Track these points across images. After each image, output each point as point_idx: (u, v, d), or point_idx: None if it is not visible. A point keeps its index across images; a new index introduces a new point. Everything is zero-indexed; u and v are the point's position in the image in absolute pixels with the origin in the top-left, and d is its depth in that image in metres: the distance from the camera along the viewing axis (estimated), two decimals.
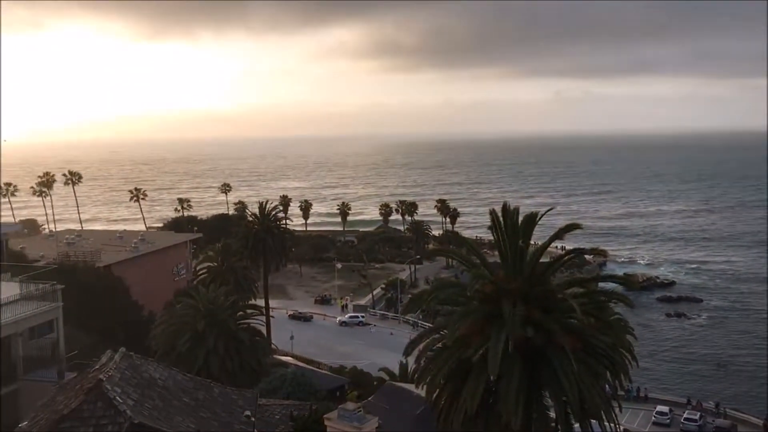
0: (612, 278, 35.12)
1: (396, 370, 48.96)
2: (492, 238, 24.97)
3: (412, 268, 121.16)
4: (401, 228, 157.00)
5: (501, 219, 23.92)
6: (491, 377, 21.34)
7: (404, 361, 43.60)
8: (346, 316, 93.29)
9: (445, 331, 23.69)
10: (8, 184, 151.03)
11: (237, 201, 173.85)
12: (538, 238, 25.06)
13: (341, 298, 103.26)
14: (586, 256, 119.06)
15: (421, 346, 24.63)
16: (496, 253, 24.51)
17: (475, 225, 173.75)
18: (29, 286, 39.95)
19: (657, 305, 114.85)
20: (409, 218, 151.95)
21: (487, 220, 25.05)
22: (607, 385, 23.84)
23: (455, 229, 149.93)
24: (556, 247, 45.66)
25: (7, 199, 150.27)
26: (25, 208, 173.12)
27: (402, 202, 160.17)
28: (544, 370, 21.76)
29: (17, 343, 37.15)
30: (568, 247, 47.77)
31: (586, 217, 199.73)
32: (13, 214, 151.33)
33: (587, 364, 21.99)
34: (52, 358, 38.20)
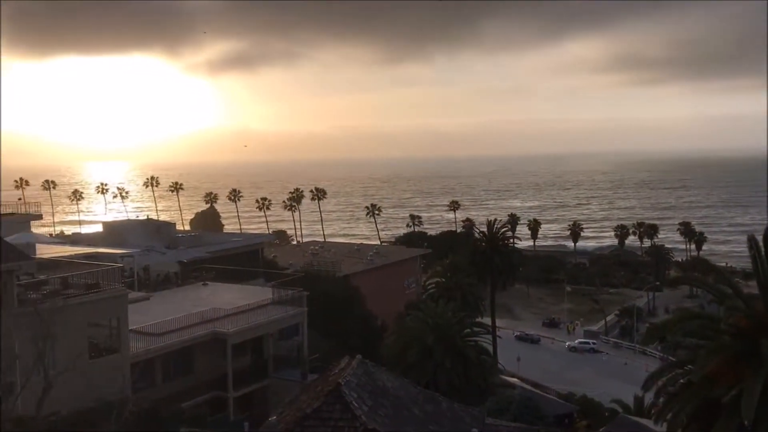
0: None
1: (630, 403, 45.86)
2: (749, 266, 22.43)
3: (650, 296, 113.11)
4: (638, 251, 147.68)
5: (762, 246, 21.36)
6: (745, 422, 19.03)
7: (640, 395, 40.64)
8: (576, 341, 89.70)
9: (690, 366, 21.66)
10: (264, 199, 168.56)
11: (465, 219, 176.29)
12: None
13: (571, 323, 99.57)
14: None
15: (661, 381, 22.76)
16: (752, 283, 21.99)
17: (729, 253, 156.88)
18: (280, 291, 44.01)
19: None
20: (648, 241, 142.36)
21: (739, 248, 22.58)
22: None
23: (701, 256, 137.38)
24: None
25: (263, 212, 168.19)
26: (278, 221, 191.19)
27: (640, 224, 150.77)
28: None
29: (269, 343, 41.03)
30: None
31: None
32: (267, 226, 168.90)
33: None
34: (297, 359, 41.50)
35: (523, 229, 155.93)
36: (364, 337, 53.30)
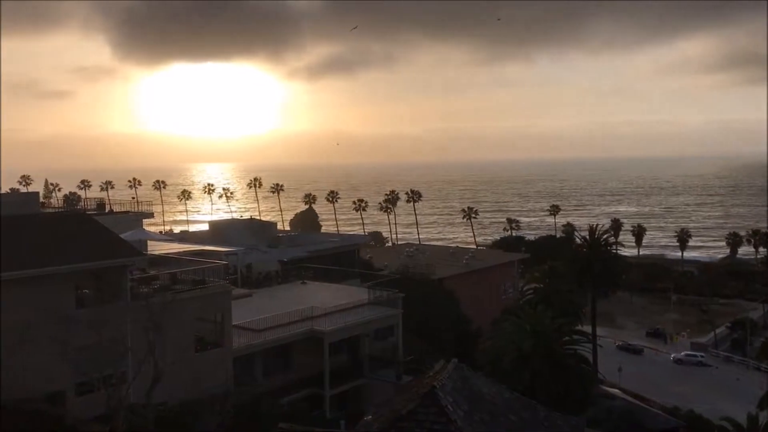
0: None
1: (743, 422, 43.10)
2: None
3: (766, 308, 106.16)
4: (753, 261, 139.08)
5: None
6: None
7: (755, 413, 38.16)
8: (682, 353, 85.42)
9: None
10: (360, 201, 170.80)
11: (565, 223, 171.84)
12: None
13: (677, 334, 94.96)
14: None
15: None
16: None
17: None
18: (375, 292, 44.40)
19: None
20: (764, 251, 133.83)
21: None
22: None
23: None
24: None
25: (359, 214, 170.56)
26: (374, 223, 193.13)
27: (755, 232, 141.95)
28: None
29: (364, 342, 41.45)
30: None
31: None
32: (363, 227, 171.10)
33: None
34: (392, 360, 41.70)
35: (626, 236, 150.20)
36: (459, 341, 52.93)
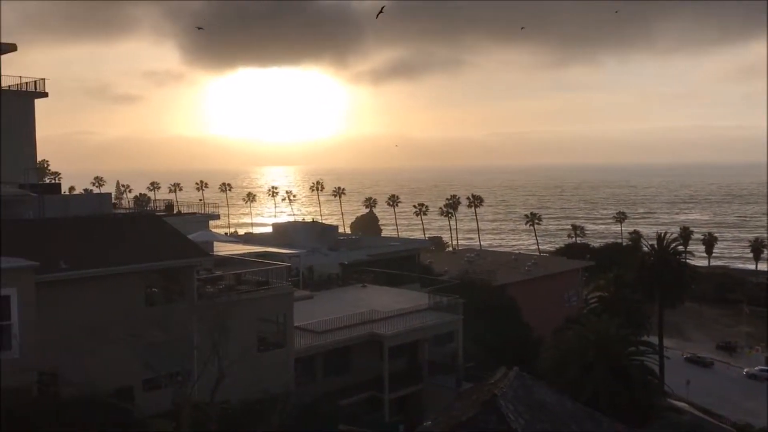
0: None
1: None
2: None
3: None
4: None
5: None
6: None
7: None
8: (756, 368, 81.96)
9: None
10: (421, 205, 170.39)
11: (632, 230, 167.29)
12: None
13: (751, 348, 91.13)
14: None
15: None
16: None
17: None
18: (435, 297, 44.23)
19: None
20: None
21: None
22: None
23: None
24: None
25: (419, 218, 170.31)
26: (434, 228, 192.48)
27: None
28: None
29: (424, 347, 41.33)
30: None
31: None
32: (423, 232, 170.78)
33: None
34: (452, 366, 41.41)
35: (697, 245, 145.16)
36: (520, 349, 52.13)
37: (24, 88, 48.21)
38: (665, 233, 73.94)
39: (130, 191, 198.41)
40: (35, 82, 48.54)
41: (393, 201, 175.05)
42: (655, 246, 70.69)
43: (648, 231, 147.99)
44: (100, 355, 24.92)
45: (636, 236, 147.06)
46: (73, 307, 26.18)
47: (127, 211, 50.14)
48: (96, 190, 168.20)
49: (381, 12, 40.29)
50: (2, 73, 47.48)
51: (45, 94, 48.68)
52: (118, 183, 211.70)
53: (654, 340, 62.95)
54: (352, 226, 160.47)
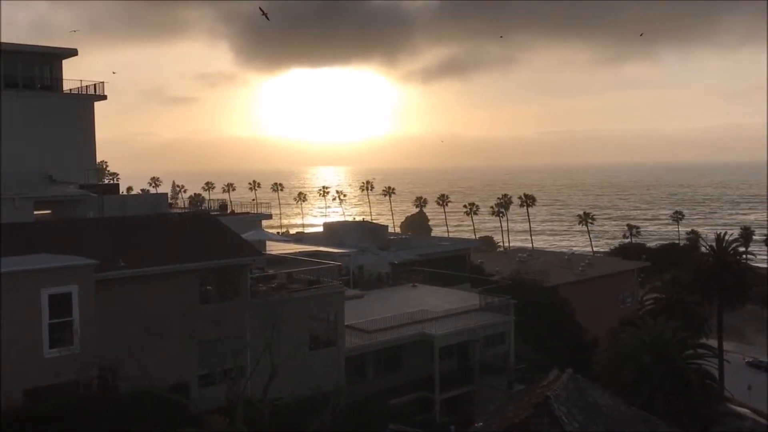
0: None
1: None
2: None
3: None
4: None
5: None
6: None
7: None
8: None
9: None
10: (471, 204, 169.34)
11: (690, 230, 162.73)
12: None
13: None
14: None
15: None
16: None
17: None
18: (486, 298, 43.87)
19: None
20: None
21: None
22: None
23: None
24: None
25: (470, 218, 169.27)
26: (485, 228, 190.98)
27: None
28: None
29: (475, 348, 41.05)
30: None
31: None
32: (474, 232, 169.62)
33: None
34: (503, 367, 41.03)
35: (759, 246, 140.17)
36: (574, 351, 51.29)
37: (84, 92, 49.87)
38: (724, 233, 71.74)
39: (185, 191, 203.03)
40: (95, 85, 50.20)
41: (443, 200, 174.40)
42: (714, 246, 68.67)
43: (706, 231, 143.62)
44: (157, 351, 25.56)
45: (694, 236, 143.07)
46: (131, 305, 26.92)
47: (183, 210, 51.35)
48: (153, 191, 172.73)
49: (264, 15, 39.92)
50: (63, 77, 49.30)
51: (104, 97, 50.29)
52: (173, 183, 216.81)
53: (713, 343, 61.08)
54: (402, 225, 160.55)
